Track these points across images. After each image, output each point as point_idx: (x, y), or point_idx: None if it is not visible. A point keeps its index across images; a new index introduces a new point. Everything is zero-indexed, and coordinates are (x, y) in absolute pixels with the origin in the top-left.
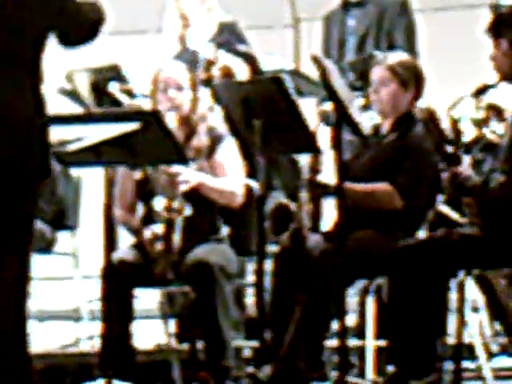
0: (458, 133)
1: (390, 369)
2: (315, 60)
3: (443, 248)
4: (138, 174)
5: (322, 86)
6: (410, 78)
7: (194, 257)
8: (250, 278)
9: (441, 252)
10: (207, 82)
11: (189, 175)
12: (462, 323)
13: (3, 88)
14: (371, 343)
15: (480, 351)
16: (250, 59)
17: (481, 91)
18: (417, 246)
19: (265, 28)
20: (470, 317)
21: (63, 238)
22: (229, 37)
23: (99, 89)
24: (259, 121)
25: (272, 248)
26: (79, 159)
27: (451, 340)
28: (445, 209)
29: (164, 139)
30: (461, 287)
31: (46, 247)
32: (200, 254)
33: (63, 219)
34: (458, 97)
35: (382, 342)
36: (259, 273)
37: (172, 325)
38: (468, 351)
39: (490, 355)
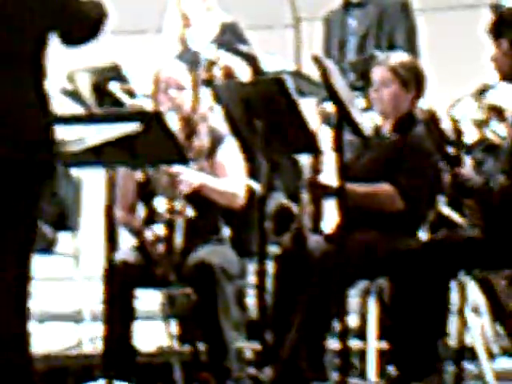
0: (458, 133)
1: (392, 370)
2: (316, 60)
3: (444, 249)
4: (139, 175)
5: (323, 87)
6: (411, 79)
7: (196, 258)
8: (251, 279)
9: (442, 253)
10: (208, 83)
11: (190, 176)
12: (463, 325)
13: (6, 88)
14: (372, 345)
15: (481, 353)
16: (251, 59)
17: (481, 91)
18: (418, 247)
19: (265, 28)
20: (471, 318)
21: (64, 238)
22: (230, 37)
23: (100, 89)
24: (260, 121)
25: (273, 249)
26: (80, 160)
27: (452, 341)
28: (446, 210)
29: (165, 140)
30: (462, 289)
31: (47, 248)
32: (201, 255)
33: (64, 220)
34: (459, 97)
35: (384, 344)
36: (260, 274)
37: (173, 326)
38: (469, 353)
39: (492, 357)
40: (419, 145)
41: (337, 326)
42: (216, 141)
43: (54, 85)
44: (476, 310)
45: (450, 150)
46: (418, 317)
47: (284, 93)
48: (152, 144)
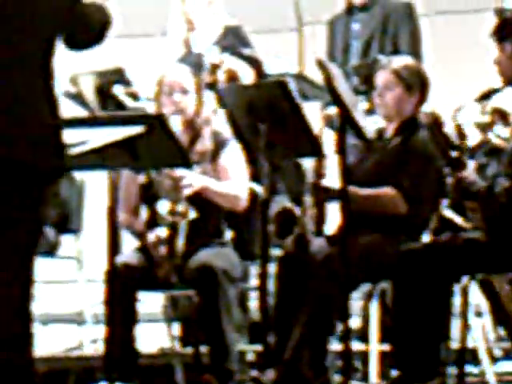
0: (462, 137)
1: (394, 373)
2: (320, 64)
3: (447, 252)
4: (142, 178)
5: (327, 90)
6: (415, 83)
7: (198, 260)
8: (254, 281)
9: (445, 256)
10: (212, 86)
11: (193, 179)
12: (465, 328)
13: (16, 90)
14: (375, 347)
15: (483, 356)
16: (254, 63)
17: (485, 96)
18: (421, 251)
19: (269, 32)
20: (473, 321)
21: (67, 241)
22: (233, 40)
23: (104, 92)
24: (264, 125)
25: (276, 252)
26: (83, 162)
27: (455, 344)
28: (449, 213)
29: (168, 143)
30: (464, 292)
31: (50, 250)
32: (204, 258)
33: (67, 223)
34: (463, 101)
35: (386, 347)
36: (263, 276)
37: (176, 328)
38: (471, 356)
39: (494, 360)
40: (422, 149)
41: (339, 328)
42: (219, 144)
43: (57, 88)
44: (478, 313)
45: (454, 153)
46: (420, 320)
47: (287, 96)
48: (155, 147)
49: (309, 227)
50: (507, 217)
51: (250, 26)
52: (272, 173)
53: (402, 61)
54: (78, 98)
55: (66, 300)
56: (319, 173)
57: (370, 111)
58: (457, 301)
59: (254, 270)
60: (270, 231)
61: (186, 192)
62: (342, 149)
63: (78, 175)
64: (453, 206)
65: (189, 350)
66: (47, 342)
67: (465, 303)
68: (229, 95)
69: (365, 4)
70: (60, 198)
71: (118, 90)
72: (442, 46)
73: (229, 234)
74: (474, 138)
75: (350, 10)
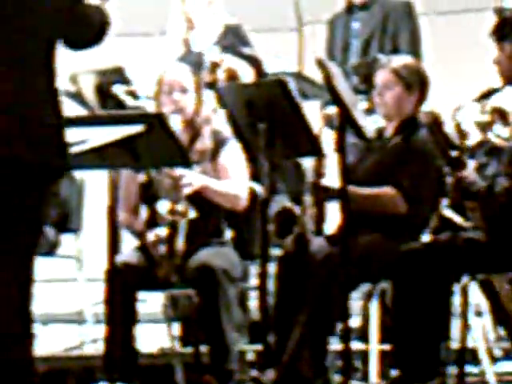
0: (462, 137)
1: (394, 373)
2: (319, 63)
3: (447, 252)
4: (141, 177)
5: (326, 89)
6: (415, 82)
7: (198, 260)
8: (254, 281)
9: (445, 256)
10: (212, 85)
11: (192, 178)
12: (465, 328)
13: (17, 90)
14: (375, 347)
15: (483, 356)
16: (254, 62)
17: (485, 95)
18: (421, 250)
19: (269, 31)
20: (473, 321)
21: (67, 240)
22: (233, 40)
23: (103, 91)
24: (263, 124)
25: (276, 251)
26: (83, 162)
27: (455, 344)
28: (449, 213)
29: (168, 142)
30: (464, 291)
31: (50, 250)
32: (204, 258)
33: (67, 222)
34: (463, 101)
35: (386, 346)
36: (263, 276)
37: (176, 328)
38: (471, 356)
39: (494, 360)
40: (422, 148)
41: (339, 328)
42: (219, 143)
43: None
44: (478, 313)
45: (454, 153)
46: (420, 319)
47: (287, 95)
48: (155, 146)
49: (309, 227)
50: (507, 216)
51: (250, 26)
52: (272, 172)
53: (402, 60)
54: (77, 96)
55: (66, 299)
56: (319, 172)
57: (370, 110)
58: (457, 301)
59: (254, 269)
60: (269, 231)
61: (186, 191)
62: (341, 148)
63: (77, 174)
64: (453, 205)
65: (189, 349)
66: (47, 342)
67: (465, 303)
68: (228, 94)
69: (365, 3)
70: (60, 197)
71: (118, 89)
72: (442, 46)
73: (229, 234)
74: (474, 138)
75: (350, 9)
